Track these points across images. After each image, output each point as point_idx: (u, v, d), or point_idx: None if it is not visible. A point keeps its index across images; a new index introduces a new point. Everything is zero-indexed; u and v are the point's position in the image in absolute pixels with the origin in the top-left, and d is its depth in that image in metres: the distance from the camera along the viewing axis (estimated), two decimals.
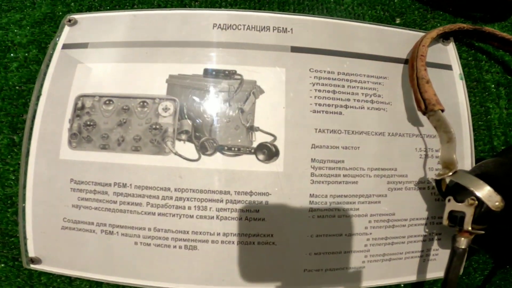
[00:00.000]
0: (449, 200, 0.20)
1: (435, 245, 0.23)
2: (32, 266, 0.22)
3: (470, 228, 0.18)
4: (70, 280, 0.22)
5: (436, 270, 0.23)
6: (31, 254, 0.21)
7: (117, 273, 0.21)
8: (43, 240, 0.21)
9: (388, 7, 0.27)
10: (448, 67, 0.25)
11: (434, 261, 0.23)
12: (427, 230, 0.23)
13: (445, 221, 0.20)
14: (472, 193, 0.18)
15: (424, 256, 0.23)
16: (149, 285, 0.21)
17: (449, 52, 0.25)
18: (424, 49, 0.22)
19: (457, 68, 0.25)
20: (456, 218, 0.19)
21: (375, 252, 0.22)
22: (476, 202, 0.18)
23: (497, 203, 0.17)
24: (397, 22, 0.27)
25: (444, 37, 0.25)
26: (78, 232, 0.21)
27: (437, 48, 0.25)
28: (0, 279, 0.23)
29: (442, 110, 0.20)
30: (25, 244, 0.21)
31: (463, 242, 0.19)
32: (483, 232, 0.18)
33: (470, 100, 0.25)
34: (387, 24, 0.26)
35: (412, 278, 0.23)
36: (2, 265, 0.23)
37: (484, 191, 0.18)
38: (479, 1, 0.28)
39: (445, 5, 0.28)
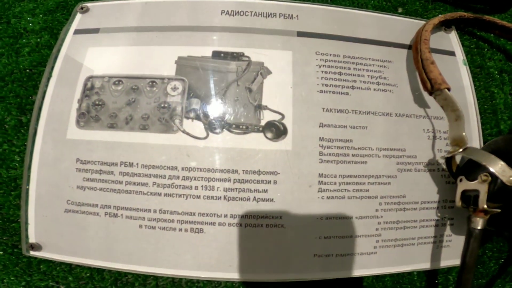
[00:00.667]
0: (460, 180, 0.19)
1: (448, 230, 0.22)
2: (32, 252, 0.21)
3: (485, 207, 0.17)
4: (70, 268, 0.21)
5: (450, 258, 0.22)
6: (32, 240, 0.21)
7: (119, 259, 0.20)
8: (44, 225, 0.21)
9: None
10: (452, 53, 0.25)
11: (448, 248, 0.22)
12: (439, 214, 0.22)
13: (458, 203, 0.19)
14: (485, 169, 0.18)
15: (437, 242, 0.22)
16: (152, 272, 0.20)
17: (452, 39, 0.26)
18: (427, 34, 0.23)
19: (460, 54, 0.25)
20: (470, 198, 0.19)
21: (387, 236, 0.21)
22: (490, 178, 0.17)
23: (511, 178, 0.17)
24: (399, 11, 0.28)
25: (446, 25, 0.26)
26: (81, 215, 0.20)
27: (440, 36, 0.26)
28: None
29: (449, 89, 0.20)
30: (26, 229, 0.21)
31: (479, 223, 0.18)
32: (499, 210, 0.18)
33: (474, 85, 0.25)
34: (390, 13, 0.27)
35: (426, 265, 0.22)
36: (1, 252, 0.22)
37: (497, 166, 0.17)
38: None
39: None
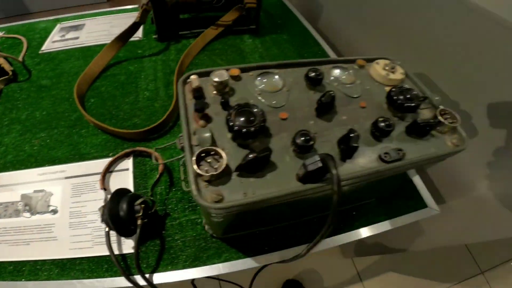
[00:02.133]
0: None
1: None
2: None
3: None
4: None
5: None
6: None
7: None
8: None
9: None
10: (127, 169, 0.71)
11: None
12: None
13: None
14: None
15: None
16: None
17: (129, 162, 0.71)
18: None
19: (131, 169, 0.71)
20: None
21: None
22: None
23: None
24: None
25: (126, 156, 0.72)
26: None
27: (123, 161, 0.71)
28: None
29: (105, 189, 0.66)
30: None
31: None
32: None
33: (137, 184, 0.71)
34: None
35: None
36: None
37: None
38: None
39: None
